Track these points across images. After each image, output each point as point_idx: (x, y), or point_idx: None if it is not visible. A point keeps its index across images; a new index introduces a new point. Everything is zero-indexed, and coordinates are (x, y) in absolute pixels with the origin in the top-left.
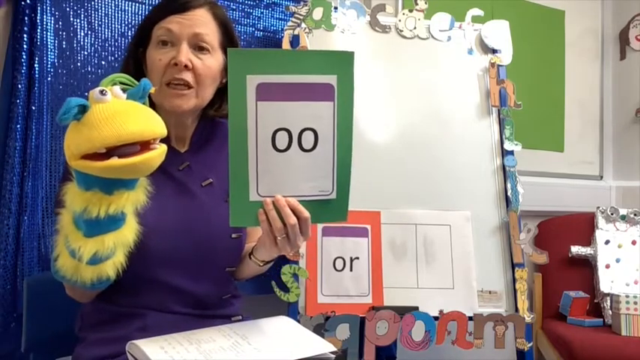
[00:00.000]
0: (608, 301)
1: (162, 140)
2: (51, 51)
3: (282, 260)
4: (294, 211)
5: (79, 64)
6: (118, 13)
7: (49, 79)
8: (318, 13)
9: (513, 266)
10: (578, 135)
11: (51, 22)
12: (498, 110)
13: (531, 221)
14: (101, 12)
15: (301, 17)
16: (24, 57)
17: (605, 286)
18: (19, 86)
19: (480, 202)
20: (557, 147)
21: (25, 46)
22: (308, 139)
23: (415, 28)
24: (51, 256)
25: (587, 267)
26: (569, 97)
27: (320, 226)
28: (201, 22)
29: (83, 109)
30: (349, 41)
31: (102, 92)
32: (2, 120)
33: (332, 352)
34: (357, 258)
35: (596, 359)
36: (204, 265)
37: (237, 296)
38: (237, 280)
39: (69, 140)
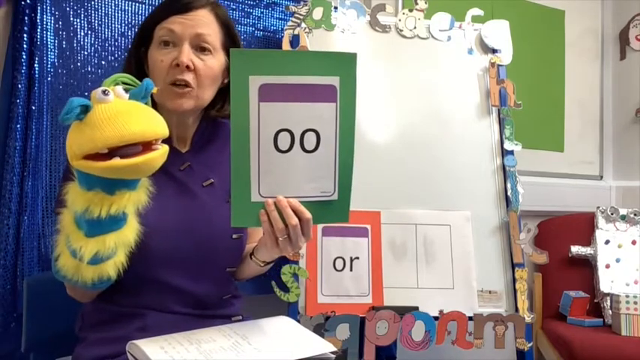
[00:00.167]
0: (608, 301)
1: (164, 140)
2: (51, 51)
3: (282, 260)
4: (295, 212)
5: (79, 64)
6: (118, 12)
7: (49, 79)
8: (318, 13)
9: (513, 266)
10: (578, 135)
11: (51, 22)
12: (498, 110)
13: (531, 221)
14: (101, 12)
15: (301, 17)
16: (24, 57)
17: (605, 286)
18: (19, 86)
19: (480, 202)
20: (557, 147)
21: (25, 46)
22: (310, 140)
23: (415, 27)
24: (51, 255)
25: (587, 267)
26: (569, 97)
27: (320, 226)
28: (204, 22)
29: (85, 109)
30: (349, 41)
31: (104, 92)
32: (2, 120)
33: (332, 352)
34: (357, 258)
35: (596, 359)
36: (205, 266)
37: (238, 296)
38: (238, 281)
39: (71, 140)
